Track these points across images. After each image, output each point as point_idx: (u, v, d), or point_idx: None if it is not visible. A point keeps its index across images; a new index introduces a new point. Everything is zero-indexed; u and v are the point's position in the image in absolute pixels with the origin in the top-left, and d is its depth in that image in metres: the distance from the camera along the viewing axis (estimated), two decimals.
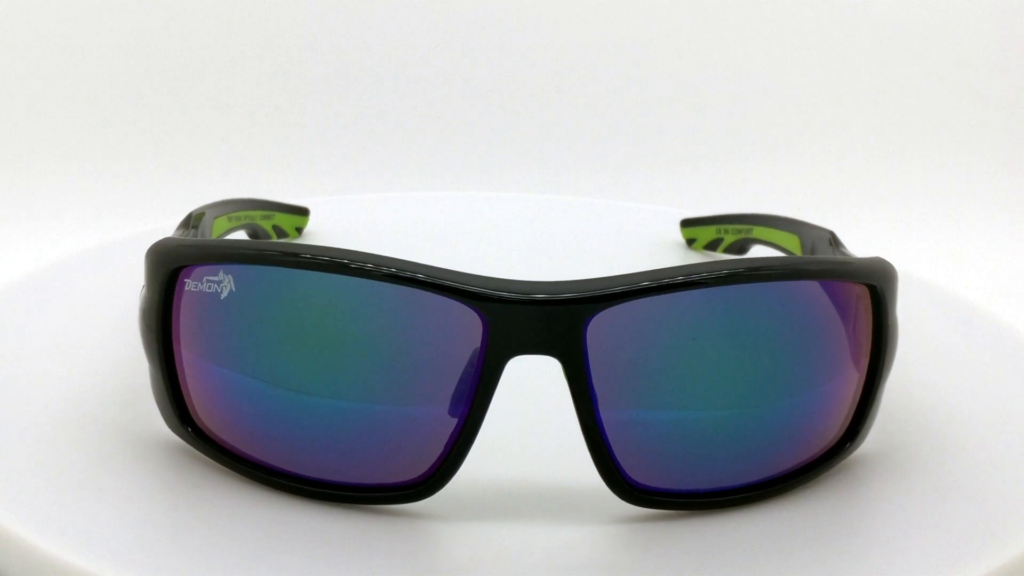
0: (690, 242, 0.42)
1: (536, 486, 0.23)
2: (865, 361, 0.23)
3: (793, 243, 0.34)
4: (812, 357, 0.22)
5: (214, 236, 0.34)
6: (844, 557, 0.20)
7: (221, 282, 0.22)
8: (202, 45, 0.62)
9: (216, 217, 0.35)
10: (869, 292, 0.22)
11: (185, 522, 0.21)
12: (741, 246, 0.39)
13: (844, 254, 0.28)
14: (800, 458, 0.22)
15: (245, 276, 0.21)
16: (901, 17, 0.65)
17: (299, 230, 0.43)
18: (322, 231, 0.44)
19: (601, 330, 0.20)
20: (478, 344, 0.20)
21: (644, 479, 0.21)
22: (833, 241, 0.30)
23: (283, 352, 0.21)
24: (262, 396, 0.22)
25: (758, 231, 0.38)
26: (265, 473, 0.22)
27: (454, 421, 0.21)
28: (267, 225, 0.41)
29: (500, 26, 0.64)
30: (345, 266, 0.20)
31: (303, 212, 0.43)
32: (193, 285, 0.22)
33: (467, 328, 0.20)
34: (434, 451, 0.21)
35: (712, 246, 0.41)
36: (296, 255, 0.21)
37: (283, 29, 0.63)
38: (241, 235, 0.40)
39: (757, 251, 0.38)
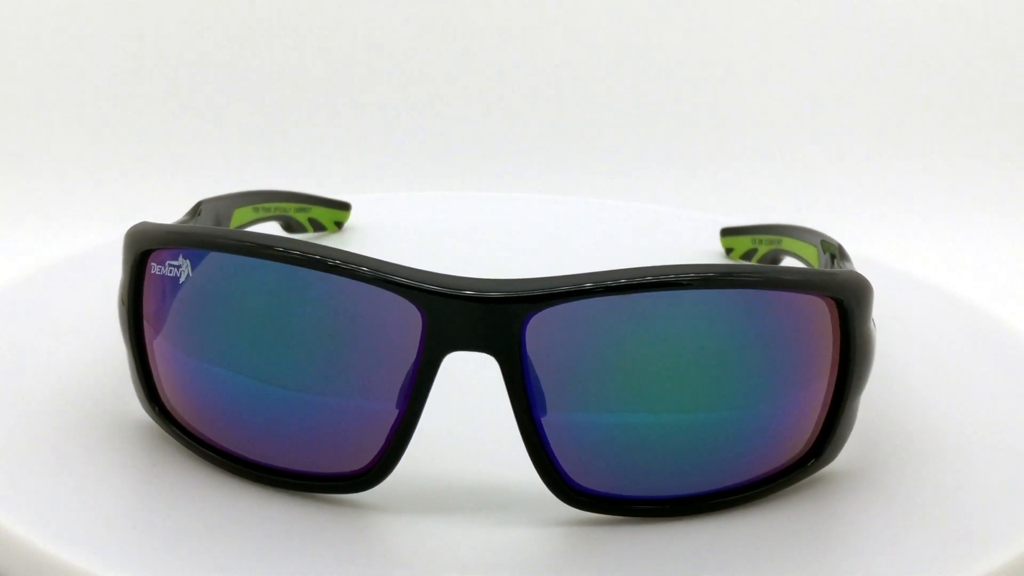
0: (729, 251, 0.42)
1: (483, 483, 0.23)
2: (831, 377, 0.22)
3: (812, 254, 0.34)
4: (769, 368, 0.21)
5: (233, 225, 0.35)
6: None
7: (180, 266, 0.22)
8: (217, 42, 0.63)
9: (238, 207, 0.35)
10: (836, 306, 0.21)
11: (138, 504, 0.22)
12: (773, 257, 0.39)
13: (842, 266, 0.28)
14: (756, 471, 0.22)
15: (201, 261, 0.22)
16: (904, 18, 0.65)
17: (339, 224, 0.44)
18: (365, 226, 0.44)
19: (542, 330, 0.20)
20: (418, 338, 0.20)
21: (588, 483, 0.21)
22: (838, 253, 0.29)
23: (233, 338, 0.22)
24: (217, 381, 0.22)
25: (787, 242, 0.37)
26: (220, 456, 0.22)
27: (394, 414, 0.21)
28: (302, 218, 0.41)
29: (543, 24, 0.65)
30: (291, 256, 0.20)
31: (344, 207, 0.44)
32: (157, 268, 0.22)
33: (407, 322, 0.20)
34: (376, 443, 0.21)
35: (747, 256, 0.40)
36: (244, 243, 0.21)
37: (309, 31, 0.64)
38: (273, 227, 0.40)
39: (787, 263, 0.38)
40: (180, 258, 0.22)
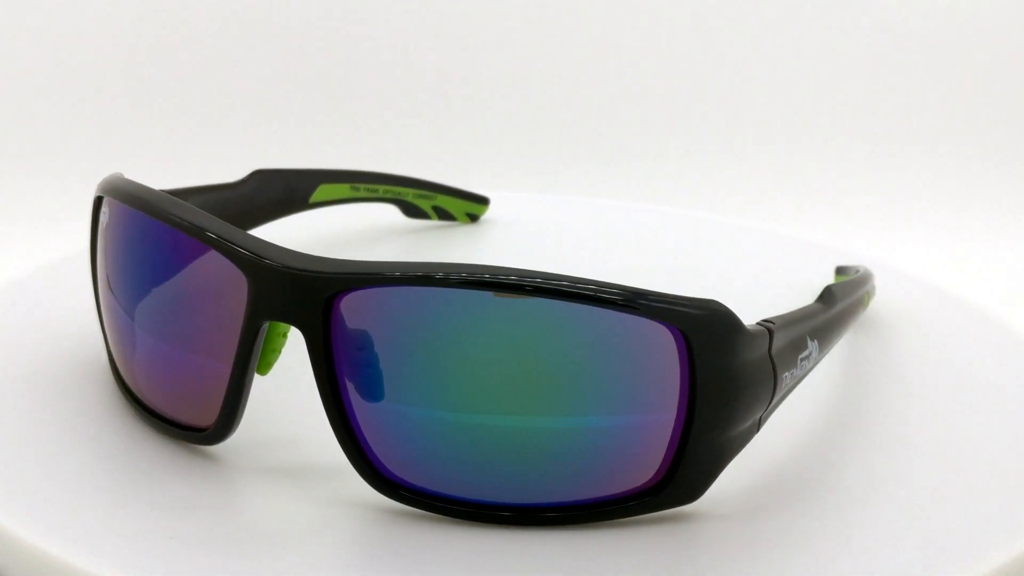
0: None
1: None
2: (676, 412, 0.20)
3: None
4: (597, 388, 0.20)
5: (314, 199, 0.37)
6: None
7: (105, 214, 0.24)
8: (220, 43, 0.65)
9: (325, 183, 0.37)
10: (683, 337, 0.20)
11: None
12: None
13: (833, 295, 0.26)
14: (581, 495, 0.21)
15: (112, 211, 0.24)
16: (906, 18, 0.64)
17: (472, 216, 0.45)
18: (500, 221, 0.45)
19: (356, 313, 0.20)
20: (244, 305, 0.21)
21: (404, 475, 0.21)
22: (826, 293, 0.27)
23: (119, 282, 0.24)
24: (116, 321, 0.24)
25: None
26: (123, 389, 0.24)
27: (227, 376, 0.22)
28: (424, 204, 0.43)
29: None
30: (155, 210, 0.22)
31: (481, 200, 0.45)
32: (100, 216, 0.25)
33: (240, 289, 0.21)
34: (218, 402, 0.22)
35: None
36: (128, 193, 0.23)
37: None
38: (391, 210, 0.42)
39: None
40: (105, 206, 0.24)
